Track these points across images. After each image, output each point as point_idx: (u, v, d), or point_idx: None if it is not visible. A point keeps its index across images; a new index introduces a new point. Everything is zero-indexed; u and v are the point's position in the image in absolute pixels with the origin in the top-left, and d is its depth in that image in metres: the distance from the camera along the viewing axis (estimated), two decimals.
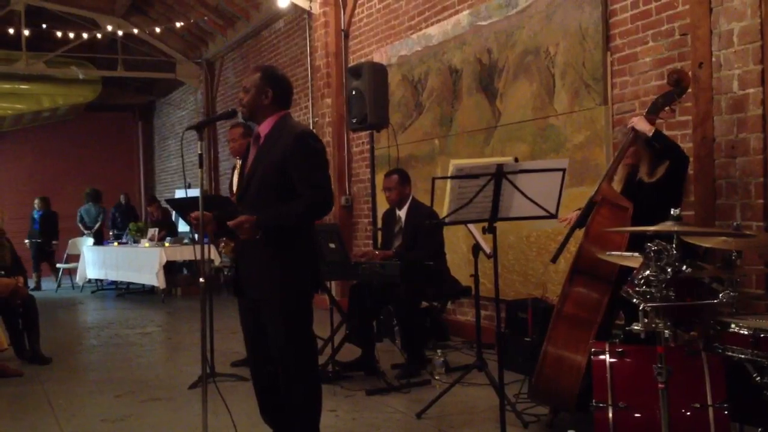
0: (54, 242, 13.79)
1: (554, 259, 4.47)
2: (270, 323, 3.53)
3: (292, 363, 3.52)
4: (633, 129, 4.22)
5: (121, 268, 11.64)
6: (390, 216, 6.11)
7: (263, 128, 3.61)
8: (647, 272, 2.88)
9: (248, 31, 11.83)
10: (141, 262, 11.08)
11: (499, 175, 3.72)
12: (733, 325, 3.06)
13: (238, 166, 6.14)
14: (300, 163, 3.46)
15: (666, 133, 4.94)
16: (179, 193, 13.99)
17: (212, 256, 9.91)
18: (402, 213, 5.97)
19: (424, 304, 6.04)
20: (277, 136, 3.54)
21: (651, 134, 4.14)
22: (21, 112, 14.96)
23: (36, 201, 14.03)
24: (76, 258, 13.17)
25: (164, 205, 12.57)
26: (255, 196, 3.55)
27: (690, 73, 4.60)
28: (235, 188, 5.84)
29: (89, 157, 17.25)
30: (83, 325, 9.36)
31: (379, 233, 6.42)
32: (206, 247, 3.80)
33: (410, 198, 5.98)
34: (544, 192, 3.82)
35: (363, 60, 8.38)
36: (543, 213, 3.86)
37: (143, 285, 11.83)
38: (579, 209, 4.41)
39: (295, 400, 3.54)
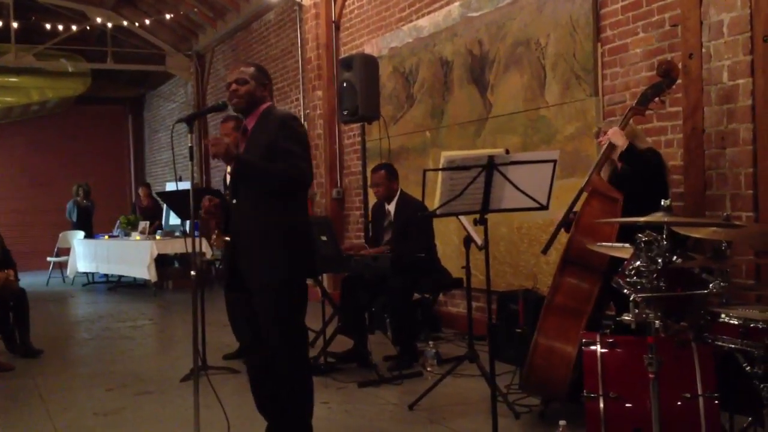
0: None
1: (545, 251, 4.48)
2: (262, 312, 3.56)
3: (282, 352, 3.55)
4: (609, 141, 4.23)
5: (112, 262, 11.62)
6: (379, 210, 6.10)
7: (249, 121, 3.67)
8: (638, 263, 2.89)
9: (238, 23, 11.78)
10: (132, 255, 11.06)
11: (490, 166, 3.73)
12: (723, 316, 3.07)
13: None
14: (283, 143, 3.51)
15: (656, 124, 4.98)
16: (170, 186, 13.92)
17: (204, 249, 9.89)
18: (391, 207, 5.95)
19: (416, 296, 6.04)
20: (263, 125, 3.61)
21: (624, 148, 4.15)
22: (10, 105, 14.85)
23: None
24: (66, 251, 13.12)
25: (155, 196, 12.52)
26: (248, 189, 3.59)
27: (680, 64, 4.61)
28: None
29: (80, 150, 17.13)
30: (74, 319, 9.34)
31: (370, 226, 6.41)
32: (197, 240, 3.80)
33: (399, 192, 5.97)
34: (535, 183, 3.83)
35: (354, 52, 8.35)
36: (534, 204, 3.87)
37: (134, 278, 11.80)
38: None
39: (286, 389, 3.57)
